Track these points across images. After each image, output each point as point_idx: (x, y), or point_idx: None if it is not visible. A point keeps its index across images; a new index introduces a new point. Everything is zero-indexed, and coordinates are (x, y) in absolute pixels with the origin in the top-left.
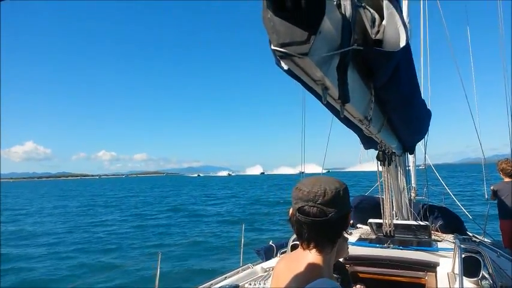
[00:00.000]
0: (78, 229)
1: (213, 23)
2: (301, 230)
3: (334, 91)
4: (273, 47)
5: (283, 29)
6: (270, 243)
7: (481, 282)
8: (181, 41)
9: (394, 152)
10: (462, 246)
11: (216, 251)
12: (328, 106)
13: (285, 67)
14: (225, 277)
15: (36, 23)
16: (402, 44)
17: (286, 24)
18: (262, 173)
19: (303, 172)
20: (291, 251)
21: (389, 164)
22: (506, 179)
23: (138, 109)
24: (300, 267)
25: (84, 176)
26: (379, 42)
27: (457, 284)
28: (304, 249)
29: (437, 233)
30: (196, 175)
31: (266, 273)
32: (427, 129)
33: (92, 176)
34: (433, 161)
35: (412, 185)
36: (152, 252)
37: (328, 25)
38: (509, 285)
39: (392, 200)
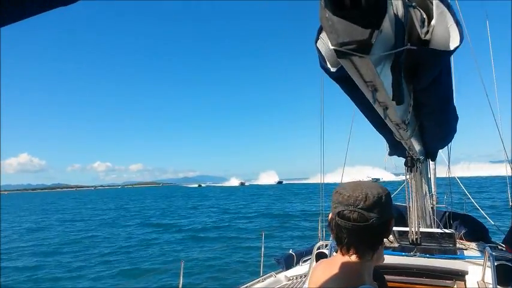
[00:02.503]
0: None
1: (206, 28)
2: (340, 235)
3: (383, 93)
4: (332, 47)
5: (343, 27)
6: (290, 251)
7: None
8: (175, 49)
9: (419, 158)
10: (494, 253)
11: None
12: (367, 111)
13: (333, 69)
14: (249, 286)
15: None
16: (455, 43)
17: (345, 23)
18: (280, 182)
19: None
20: (316, 259)
21: (415, 170)
22: None
23: (133, 119)
24: (340, 274)
25: (80, 187)
26: (427, 42)
27: None
28: (343, 254)
29: (461, 241)
30: (197, 185)
31: (290, 282)
32: (454, 135)
33: (88, 187)
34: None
35: (433, 192)
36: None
37: (387, 24)
38: None
39: (415, 207)
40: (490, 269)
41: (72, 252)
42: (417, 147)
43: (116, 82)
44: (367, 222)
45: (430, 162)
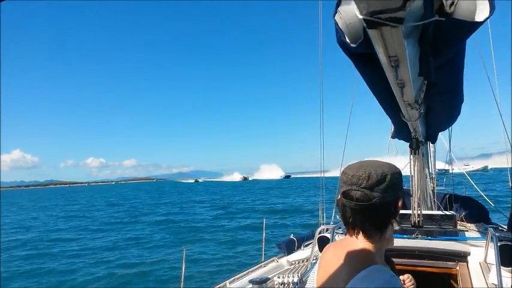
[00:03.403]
0: None
1: (202, 22)
2: (345, 215)
3: (405, 69)
4: (361, 16)
5: None
6: (291, 236)
7: None
8: (167, 44)
9: (421, 141)
10: (497, 234)
11: None
12: (380, 90)
13: (353, 44)
14: (251, 271)
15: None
16: (484, 15)
17: None
18: (288, 176)
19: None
20: (318, 243)
21: (419, 153)
22: None
23: (126, 115)
24: (350, 254)
25: (73, 184)
26: (450, 15)
27: (491, 273)
28: (350, 235)
29: (462, 222)
30: (193, 180)
31: (292, 266)
32: (458, 117)
33: (81, 183)
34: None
35: (433, 175)
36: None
37: None
38: None
39: (418, 190)
40: (492, 249)
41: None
42: (421, 129)
43: (108, 78)
44: (370, 201)
45: (430, 145)
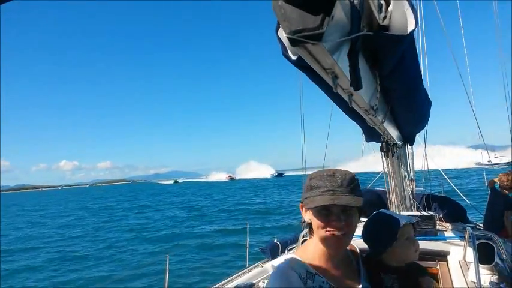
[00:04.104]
0: None
1: (178, 21)
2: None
3: (345, 79)
4: (285, 35)
5: (295, 15)
6: (275, 241)
7: (495, 268)
8: (143, 43)
9: (396, 143)
10: (475, 233)
11: None
12: (335, 98)
13: (293, 57)
14: (237, 276)
15: None
16: (411, 27)
17: (297, 11)
18: (280, 175)
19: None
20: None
21: (392, 155)
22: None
23: (99, 116)
24: None
25: (46, 188)
26: (386, 28)
27: (470, 272)
28: None
29: (441, 222)
30: (172, 181)
31: None
32: (428, 119)
33: (54, 187)
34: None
35: (412, 176)
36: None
37: (339, 10)
38: None
39: (396, 191)
40: (470, 248)
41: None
42: (393, 132)
43: (78, 78)
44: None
45: (408, 146)
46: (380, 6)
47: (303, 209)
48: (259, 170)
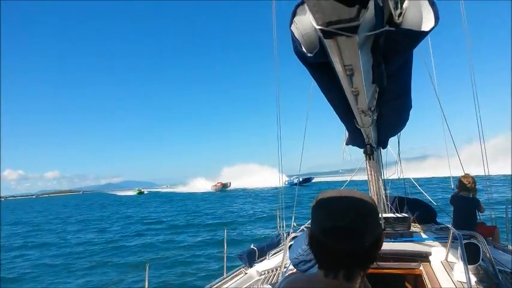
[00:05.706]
0: None
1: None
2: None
3: (360, 77)
4: (318, 27)
5: (329, 6)
6: (252, 246)
7: (480, 267)
8: (93, 49)
9: (374, 147)
10: (461, 233)
11: None
12: (335, 99)
13: (309, 54)
14: (219, 285)
15: None
16: (430, 24)
17: (331, 2)
18: (307, 180)
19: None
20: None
21: (373, 158)
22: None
23: (45, 123)
24: None
25: None
26: (399, 25)
27: (455, 271)
28: (325, 276)
29: (414, 224)
30: (135, 192)
31: (263, 277)
32: (406, 122)
33: None
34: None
35: (383, 178)
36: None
37: (371, 4)
38: (508, 270)
39: (374, 194)
40: (453, 248)
41: None
42: (373, 135)
43: (23, 82)
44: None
45: (381, 150)
46: (396, 2)
47: None
48: (262, 175)
